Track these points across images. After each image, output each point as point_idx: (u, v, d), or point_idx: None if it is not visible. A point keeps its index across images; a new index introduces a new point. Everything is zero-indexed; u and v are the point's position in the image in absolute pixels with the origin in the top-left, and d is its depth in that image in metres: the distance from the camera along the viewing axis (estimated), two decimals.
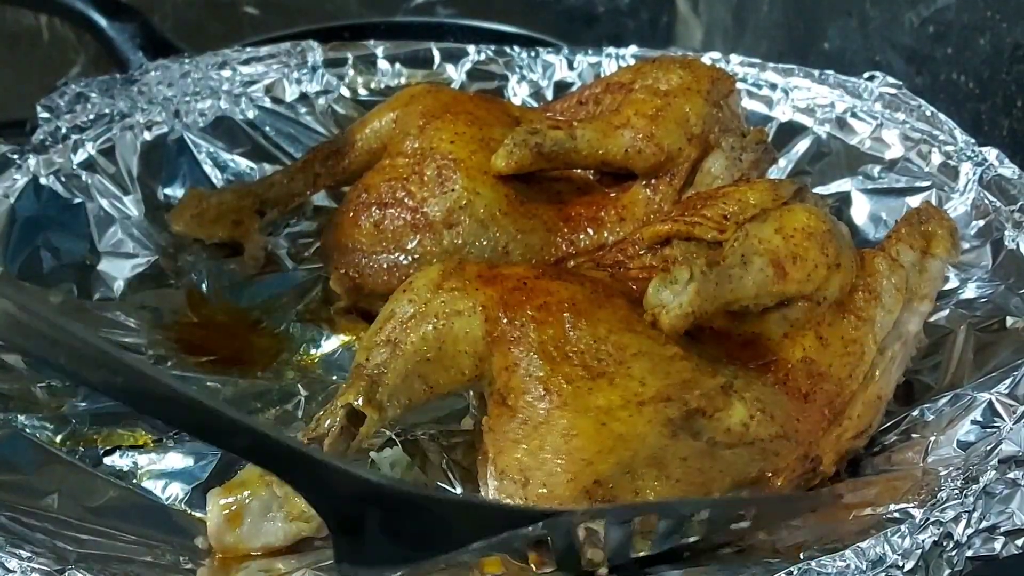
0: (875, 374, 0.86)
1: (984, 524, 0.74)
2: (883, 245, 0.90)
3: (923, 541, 0.72)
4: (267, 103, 1.22)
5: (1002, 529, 0.73)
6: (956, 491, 0.76)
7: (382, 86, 1.26)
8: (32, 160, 1.08)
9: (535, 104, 1.24)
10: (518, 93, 1.27)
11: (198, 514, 0.83)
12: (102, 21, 1.31)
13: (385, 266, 1.00)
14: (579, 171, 1.03)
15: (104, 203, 1.10)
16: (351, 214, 1.02)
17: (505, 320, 0.79)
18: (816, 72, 1.19)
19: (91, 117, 1.14)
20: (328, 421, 0.80)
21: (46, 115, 1.13)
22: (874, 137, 1.12)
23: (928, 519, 0.73)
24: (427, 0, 1.71)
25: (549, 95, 1.26)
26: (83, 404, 0.91)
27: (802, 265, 0.83)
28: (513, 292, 0.80)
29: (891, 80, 1.15)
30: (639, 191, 0.99)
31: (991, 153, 1.05)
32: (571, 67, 1.27)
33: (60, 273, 1.05)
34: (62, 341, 0.61)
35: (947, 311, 0.96)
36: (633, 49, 1.27)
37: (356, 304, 1.02)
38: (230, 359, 0.99)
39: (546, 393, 0.77)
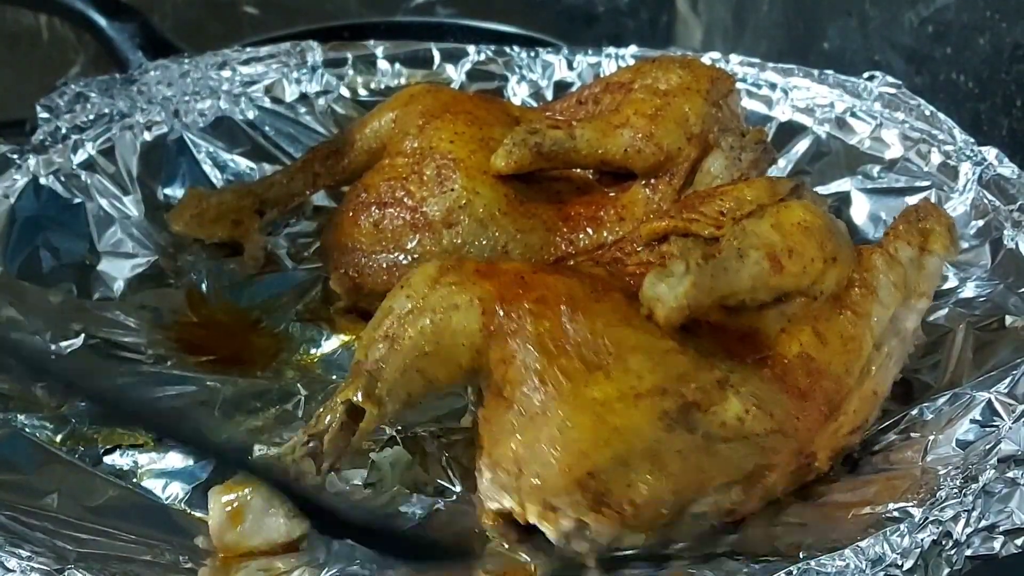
0: (871, 370, 0.86)
1: (983, 523, 0.74)
2: (881, 242, 0.90)
3: (922, 540, 0.72)
4: (267, 103, 1.22)
5: (1001, 528, 0.74)
6: (955, 490, 0.76)
7: (382, 86, 1.26)
8: (32, 160, 1.08)
9: (535, 104, 1.24)
10: (518, 93, 1.27)
11: (198, 514, 0.83)
12: (102, 21, 1.31)
13: (385, 266, 1.00)
14: (579, 171, 1.03)
15: (104, 203, 1.10)
16: (351, 214, 1.02)
17: (502, 313, 0.79)
18: (816, 72, 1.19)
19: (91, 117, 1.14)
20: (328, 417, 0.80)
21: (46, 115, 1.13)
22: (874, 137, 1.12)
23: (927, 518, 0.74)
24: (427, 0, 1.71)
25: (549, 95, 1.26)
26: (83, 404, 0.91)
27: (798, 259, 0.83)
28: (510, 286, 0.80)
29: (891, 80, 1.15)
30: (639, 191, 0.99)
31: (990, 153, 1.05)
32: (571, 67, 1.28)
33: (60, 273, 1.05)
34: None
35: (946, 310, 0.96)
36: (633, 49, 1.27)
37: (356, 304, 1.02)
38: (230, 359, 0.99)
39: (542, 385, 0.77)
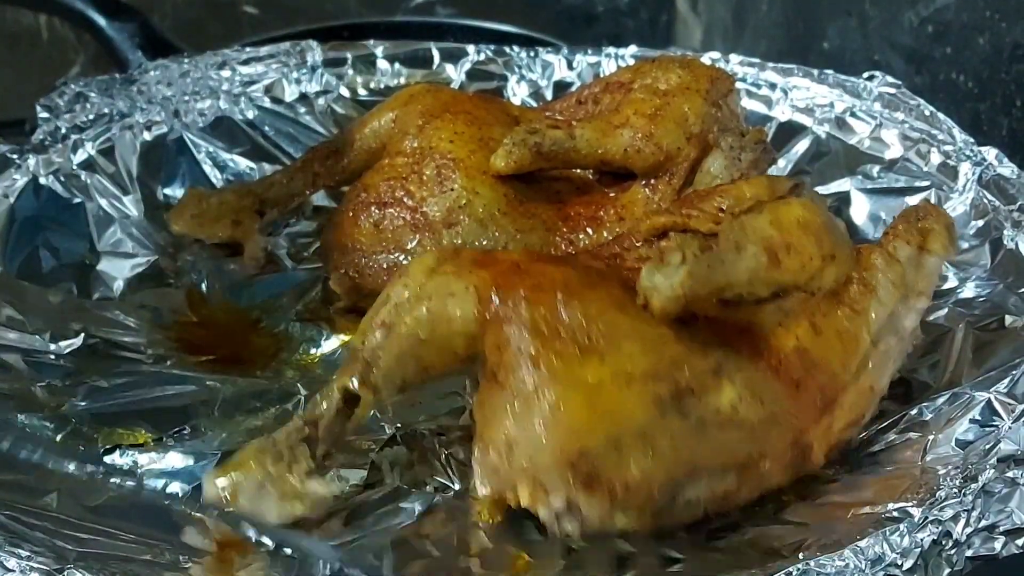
0: (868, 365, 0.85)
1: (983, 523, 0.73)
2: (880, 241, 0.90)
3: (922, 540, 0.72)
4: (267, 103, 1.22)
5: (1001, 528, 0.73)
6: (955, 490, 0.76)
7: (382, 86, 1.26)
8: (31, 160, 1.08)
9: (535, 104, 1.24)
10: (517, 93, 1.27)
11: (198, 514, 0.83)
12: (101, 21, 1.31)
13: (385, 266, 1.00)
14: (578, 171, 1.03)
15: (103, 203, 1.10)
16: (350, 214, 1.02)
17: (497, 300, 0.79)
18: (815, 72, 1.19)
19: (90, 117, 1.14)
20: (324, 404, 0.81)
21: (45, 115, 1.13)
22: (873, 137, 1.12)
23: (927, 518, 0.73)
24: (427, 0, 1.71)
25: (548, 95, 1.26)
26: (83, 403, 0.91)
27: (796, 255, 0.83)
28: (506, 274, 0.80)
29: (890, 80, 1.15)
30: (638, 191, 0.99)
31: (990, 153, 1.05)
32: (570, 67, 1.28)
33: (59, 273, 1.05)
34: None
35: (946, 310, 0.96)
36: (633, 49, 1.27)
37: (356, 304, 1.02)
38: (230, 358, 0.99)
39: (535, 368, 0.77)
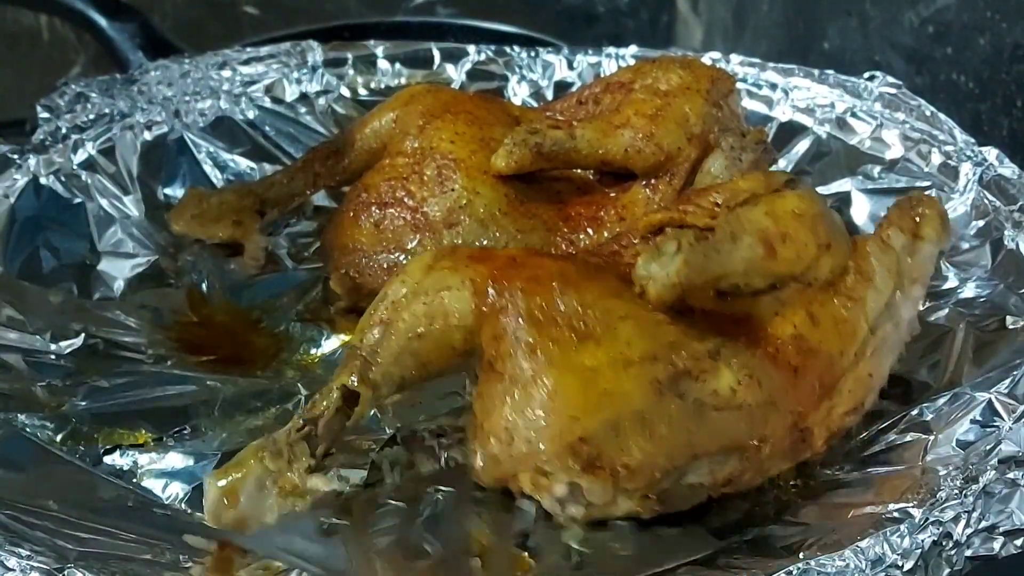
0: (866, 353, 0.85)
1: (983, 524, 0.74)
2: (875, 231, 0.90)
3: (922, 541, 0.72)
4: (267, 103, 1.22)
5: (1001, 529, 0.74)
6: (955, 491, 0.76)
7: (382, 86, 1.26)
8: (32, 160, 1.08)
9: (535, 104, 1.24)
10: (518, 93, 1.27)
11: (198, 514, 0.83)
12: (102, 21, 1.31)
13: (385, 266, 1.00)
14: (579, 171, 1.03)
15: (104, 203, 1.10)
16: (351, 214, 1.02)
17: (494, 293, 0.80)
18: (816, 72, 1.19)
19: (91, 117, 1.14)
20: (324, 402, 0.81)
21: (46, 115, 1.13)
22: (874, 137, 1.12)
23: (927, 519, 0.73)
24: (427, 0, 1.71)
25: (549, 95, 1.26)
26: (83, 403, 0.91)
27: (792, 245, 0.83)
28: (503, 267, 0.81)
29: (891, 80, 1.15)
30: (639, 191, 0.99)
31: (991, 153, 1.05)
32: (571, 67, 1.28)
33: (60, 273, 1.05)
34: None
35: (946, 310, 0.96)
36: (633, 49, 1.27)
37: (356, 304, 1.02)
38: (230, 358, 0.99)
39: (532, 355, 0.77)
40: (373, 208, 1.01)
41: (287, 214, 1.13)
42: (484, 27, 1.49)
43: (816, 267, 0.84)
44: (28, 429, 0.88)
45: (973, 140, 1.07)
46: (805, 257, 0.84)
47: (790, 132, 1.17)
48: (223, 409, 0.93)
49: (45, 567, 0.71)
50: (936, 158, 1.07)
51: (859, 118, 1.14)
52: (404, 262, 0.99)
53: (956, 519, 0.73)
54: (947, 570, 0.72)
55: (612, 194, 1.01)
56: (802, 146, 1.16)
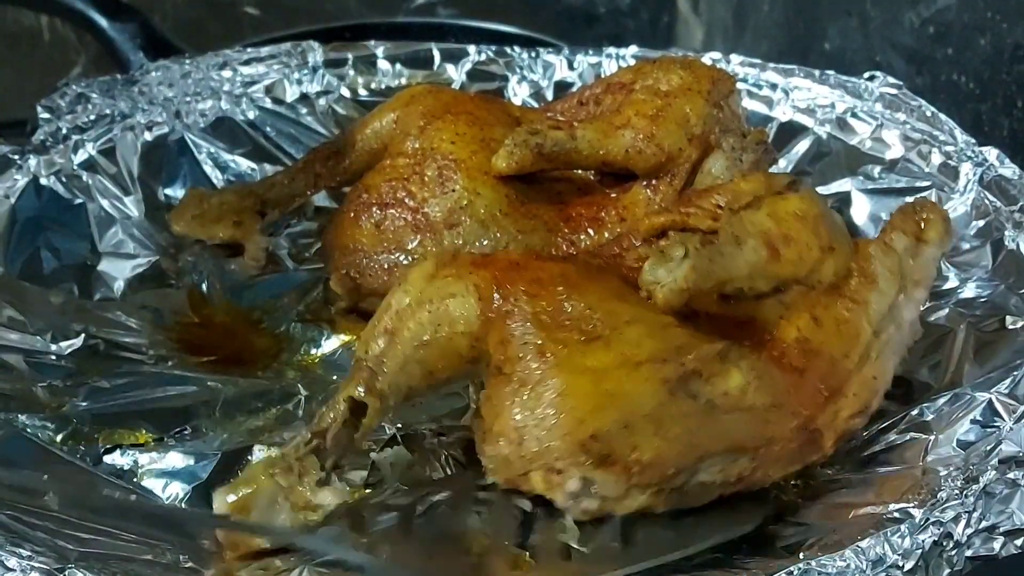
0: (871, 355, 0.85)
1: (984, 524, 0.74)
2: (879, 235, 0.90)
3: (923, 541, 0.72)
4: (268, 103, 1.22)
5: (1002, 529, 0.74)
6: (956, 491, 0.76)
7: (382, 86, 1.26)
8: (33, 160, 1.08)
9: (535, 104, 1.24)
10: (518, 93, 1.27)
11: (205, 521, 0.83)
12: (102, 21, 1.31)
13: (386, 266, 1.00)
14: (580, 172, 1.03)
15: (105, 203, 1.10)
16: (352, 214, 1.02)
17: (499, 297, 0.80)
18: (816, 72, 1.19)
19: (92, 117, 1.14)
20: (331, 415, 0.81)
21: (47, 115, 1.13)
22: (874, 137, 1.12)
23: (928, 519, 0.74)
24: (428, 1, 1.71)
25: (549, 95, 1.26)
26: (84, 403, 0.91)
27: (795, 246, 0.83)
28: (506, 271, 0.81)
29: (891, 80, 1.15)
30: (640, 192, 0.99)
31: (991, 153, 1.05)
32: (571, 67, 1.28)
33: (61, 273, 1.05)
34: None
35: (947, 310, 0.96)
36: (633, 49, 1.27)
37: (357, 304, 1.02)
38: (231, 359, 0.99)
39: (540, 356, 0.77)
40: (374, 209, 1.01)
41: (288, 215, 1.13)
42: (484, 27, 1.49)
43: (819, 269, 0.84)
44: (29, 429, 0.88)
45: (973, 140, 1.07)
46: (808, 259, 0.84)
47: (790, 132, 1.17)
48: (224, 409, 0.93)
49: (45, 567, 0.71)
50: (936, 158, 1.07)
51: (859, 118, 1.14)
52: (405, 263, 0.99)
53: (956, 519, 0.73)
54: (947, 570, 0.72)
55: (613, 195, 1.01)
56: (802, 146, 1.16)
